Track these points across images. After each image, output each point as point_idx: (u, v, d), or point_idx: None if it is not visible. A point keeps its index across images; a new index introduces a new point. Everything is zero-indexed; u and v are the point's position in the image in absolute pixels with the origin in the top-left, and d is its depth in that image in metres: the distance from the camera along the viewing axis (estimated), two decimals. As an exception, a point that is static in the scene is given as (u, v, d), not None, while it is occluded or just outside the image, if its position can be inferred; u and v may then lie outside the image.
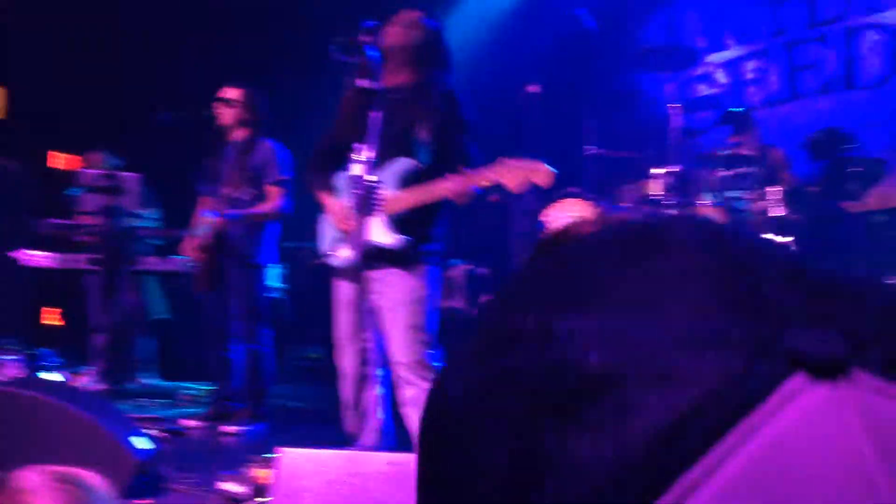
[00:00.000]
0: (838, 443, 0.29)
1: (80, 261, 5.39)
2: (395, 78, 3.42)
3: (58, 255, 5.46)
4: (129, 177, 5.21)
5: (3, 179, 6.79)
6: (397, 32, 3.41)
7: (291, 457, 2.47)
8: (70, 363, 5.20)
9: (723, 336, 0.31)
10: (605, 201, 5.50)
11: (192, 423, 4.70)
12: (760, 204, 5.03)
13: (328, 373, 4.09)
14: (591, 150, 5.87)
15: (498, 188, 6.11)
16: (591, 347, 0.32)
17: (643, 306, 0.33)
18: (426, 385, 3.20)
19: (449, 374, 0.37)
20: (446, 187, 3.20)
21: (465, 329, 0.39)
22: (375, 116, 3.13)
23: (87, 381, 4.95)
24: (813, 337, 0.31)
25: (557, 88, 5.94)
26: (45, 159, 7.09)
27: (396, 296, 3.35)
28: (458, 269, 6.06)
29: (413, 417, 3.38)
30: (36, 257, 5.49)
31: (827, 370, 0.30)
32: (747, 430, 0.30)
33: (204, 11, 7.38)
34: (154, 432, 4.15)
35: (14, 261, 5.50)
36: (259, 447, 3.65)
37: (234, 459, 3.57)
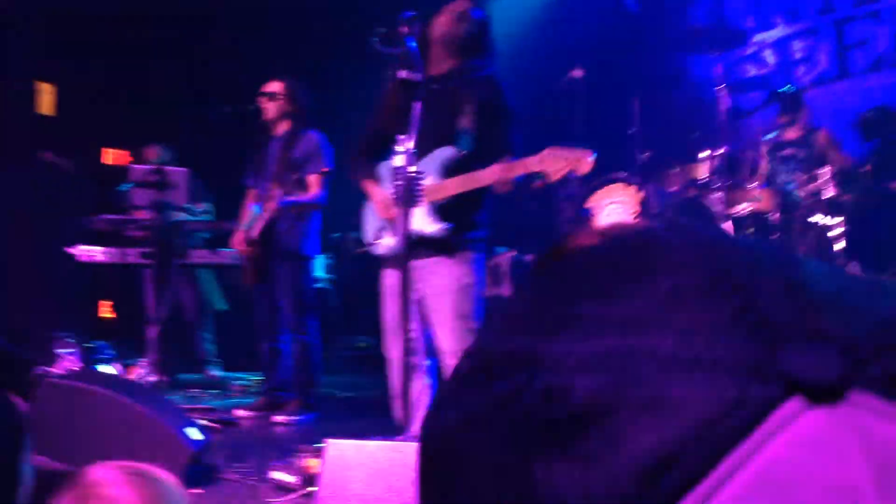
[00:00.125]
0: (835, 471, 0.28)
1: (132, 255, 5.49)
2: (441, 67, 3.43)
3: (112, 250, 5.56)
4: (176, 171, 5.27)
5: (56, 177, 6.93)
6: (446, 23, 3.40)
7: (338, 447, 2.50)
8: (125, 356, 5.30)
9: (715, 359, 0.30)
10: (652, 186, 5.45)
11: (244, 413, 4.78)
12: (810, 186, 4.94)
13: (376, 362, 4.12)
14: (637, 133, 5.81)
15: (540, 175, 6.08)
16: (579, 374, 0.31)
17: (633, 329, 0.32)
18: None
19: (443, 400, 0.37)
20: (488, 176, 3.19)
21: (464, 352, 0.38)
22: (416, 107, 3.13)
23: (141, 373, 5.05)
24: (809, 357, 0.30)
25: (601, 72, 5.88)
26: (95, 156, 7.22)
27: (442, 284, 3.35)
28: (504, 257, 6.06)
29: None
30: (91, 253, 5.61)
31: (823, 393, 0.29)
32: (740, 459, 0.29)
33: (250, 5, 7.44)
34: (206, 422, 4.23)
35: (70, 257, 5.62)
36: (309, 437, 3.70)
37: (284, 449, 3.62)
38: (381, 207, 3.45)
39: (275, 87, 4.85)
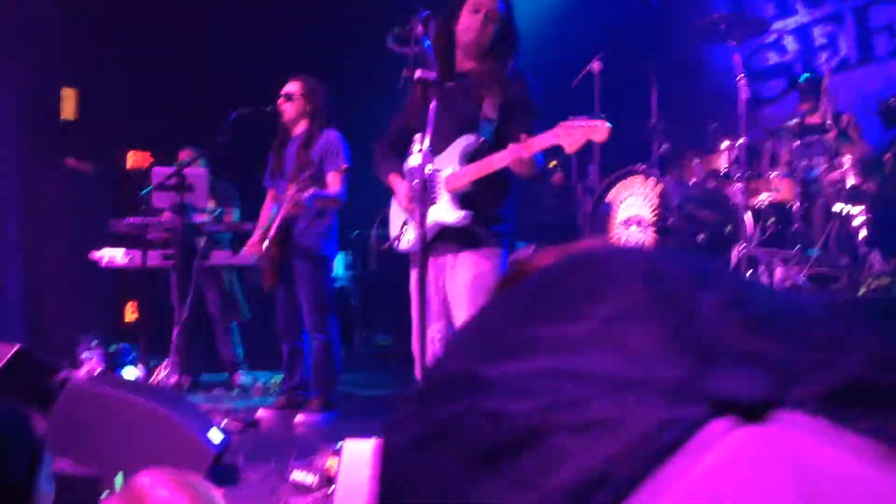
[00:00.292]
0: (762, 488, 0.28)
1: (155, 258, 5.54)
2: (466, 64, 3.43)
3: (135, 253, 5.60)
4: (195, 173, 5.29)
5: (79, 181, 7.00)
6: (472, 21, 3.39)
7: (354, 447, 2.51)
8: (149, 357, 5.34)
9: (648, 380, 0.31)
10: (671, 178, 5.41)
11: (265, 413, 4.81)
12: (833, 174, 4.88)
13: (397, 359, 4.12)
14: (656, 125, 5.77)
15: (563, 168, 6.06)
16: (517, 398, 0.32)
17: (574, 351, 0.33)
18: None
19: (397, 421, 0.37)
20: (505, 156, 3.17)
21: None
22: (432, 106, 3.12)
23: (164, 374, 5.10)
24: (737, 377, 0.30)
25: (620, 63, 5.85)
26: (118, 159, 7.28)
27: (467, 279, 3.32)
28: (524, 251, 6.05)
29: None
30: (114, 256, 5.66)
31: (751, 412, 0.30)
32: (667, 477, 0.29)
33: (269, 6, 7.48)
34: (227, 422, 4.26)
35: (94, 262, 5.68)
36: (330, 436, 3.71)
37: (306, 448, 3.64)
38: (404, 200, 3.44)
39: (292, 87, 4.87)
